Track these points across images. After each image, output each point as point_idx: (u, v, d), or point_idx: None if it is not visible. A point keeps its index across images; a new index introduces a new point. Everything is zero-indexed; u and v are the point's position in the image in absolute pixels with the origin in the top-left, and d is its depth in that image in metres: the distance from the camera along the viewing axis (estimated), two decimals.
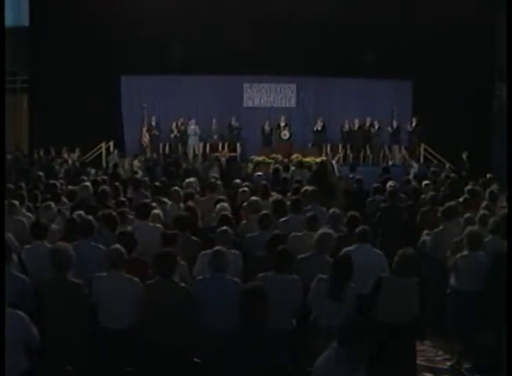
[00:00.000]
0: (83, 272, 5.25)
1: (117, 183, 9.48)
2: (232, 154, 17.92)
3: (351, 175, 12.25)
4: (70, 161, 15.81)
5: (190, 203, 7.98)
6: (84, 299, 5.00)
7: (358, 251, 5.74)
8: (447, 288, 6.44)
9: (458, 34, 17.97)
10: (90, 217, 6.31)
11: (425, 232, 7.60)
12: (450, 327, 6.41)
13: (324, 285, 5.00)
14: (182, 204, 8.15)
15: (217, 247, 5.23)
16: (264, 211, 6.89)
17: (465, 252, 6.15)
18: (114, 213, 6.75)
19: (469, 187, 9.37)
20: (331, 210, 7.28)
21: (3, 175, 8.10)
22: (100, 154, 18.24)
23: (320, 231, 5.89)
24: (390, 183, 9.90)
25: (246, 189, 9.06)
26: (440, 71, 17.94)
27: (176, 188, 8.74)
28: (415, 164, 16.36)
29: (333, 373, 3.44)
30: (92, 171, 14.08)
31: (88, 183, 9.40)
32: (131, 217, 7.14)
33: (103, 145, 18.26)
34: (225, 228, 6.01)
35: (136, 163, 15.54)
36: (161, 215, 7.13)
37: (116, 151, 17.59)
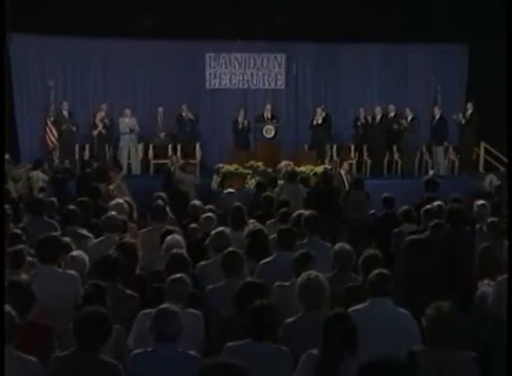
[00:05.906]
0: None
1: (6, 206, 9.42)
2: (191, 161, 17.87)
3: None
4: None
5: (125, 237, 8.02)
6: None
7: (373, 309, 5.77)
8: None
9: None
10: None
11: (485, 281, 7.62)
12: None
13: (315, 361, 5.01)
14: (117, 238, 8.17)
15: (164, 305, 5.27)
16: (230, 249, 6.90)
17: None
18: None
19: None
20: (337, 245, 7.30)
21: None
22: None
23: (313, 275, 5.86)
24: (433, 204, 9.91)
25: (210, 214, 9.14)
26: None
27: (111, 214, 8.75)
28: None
29: None
30: None
31: None
32: (29, 259, 7.09)
33: None
34: (179, 275, 6.03)
35: (38, 175, 15.44)
36: (83, 256, 7.08)
37: (6, 156, 17.48)
